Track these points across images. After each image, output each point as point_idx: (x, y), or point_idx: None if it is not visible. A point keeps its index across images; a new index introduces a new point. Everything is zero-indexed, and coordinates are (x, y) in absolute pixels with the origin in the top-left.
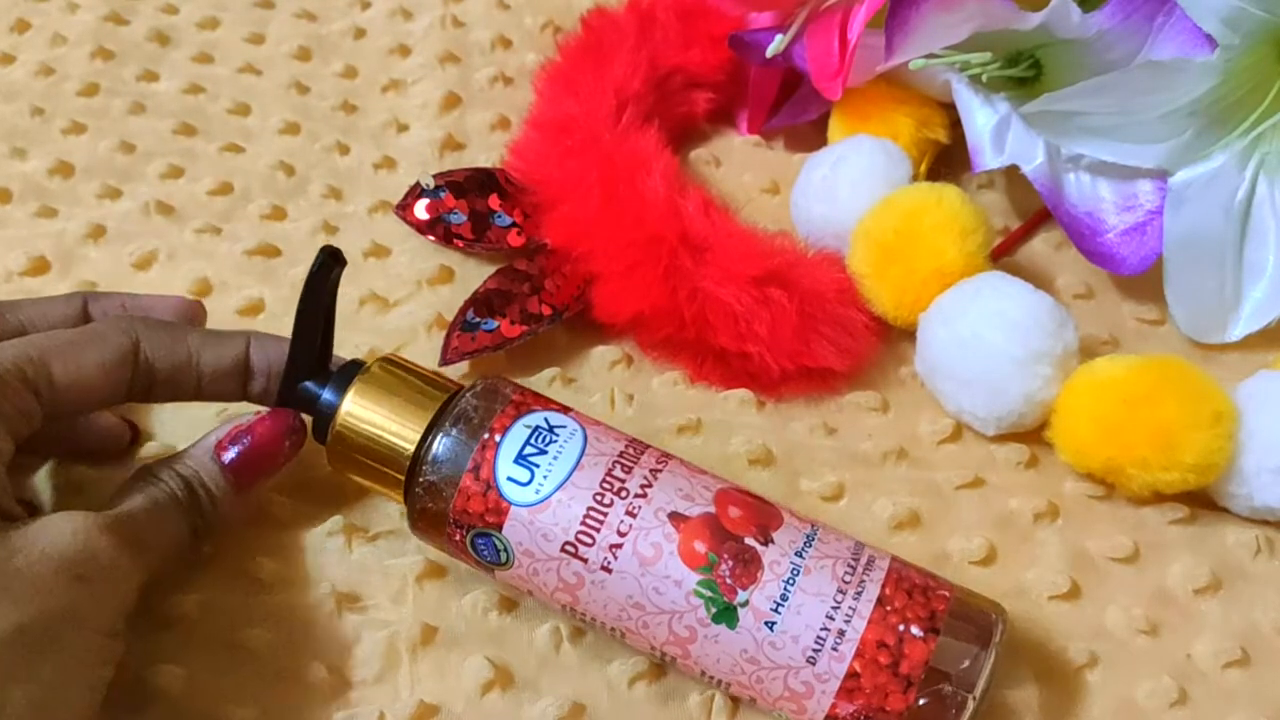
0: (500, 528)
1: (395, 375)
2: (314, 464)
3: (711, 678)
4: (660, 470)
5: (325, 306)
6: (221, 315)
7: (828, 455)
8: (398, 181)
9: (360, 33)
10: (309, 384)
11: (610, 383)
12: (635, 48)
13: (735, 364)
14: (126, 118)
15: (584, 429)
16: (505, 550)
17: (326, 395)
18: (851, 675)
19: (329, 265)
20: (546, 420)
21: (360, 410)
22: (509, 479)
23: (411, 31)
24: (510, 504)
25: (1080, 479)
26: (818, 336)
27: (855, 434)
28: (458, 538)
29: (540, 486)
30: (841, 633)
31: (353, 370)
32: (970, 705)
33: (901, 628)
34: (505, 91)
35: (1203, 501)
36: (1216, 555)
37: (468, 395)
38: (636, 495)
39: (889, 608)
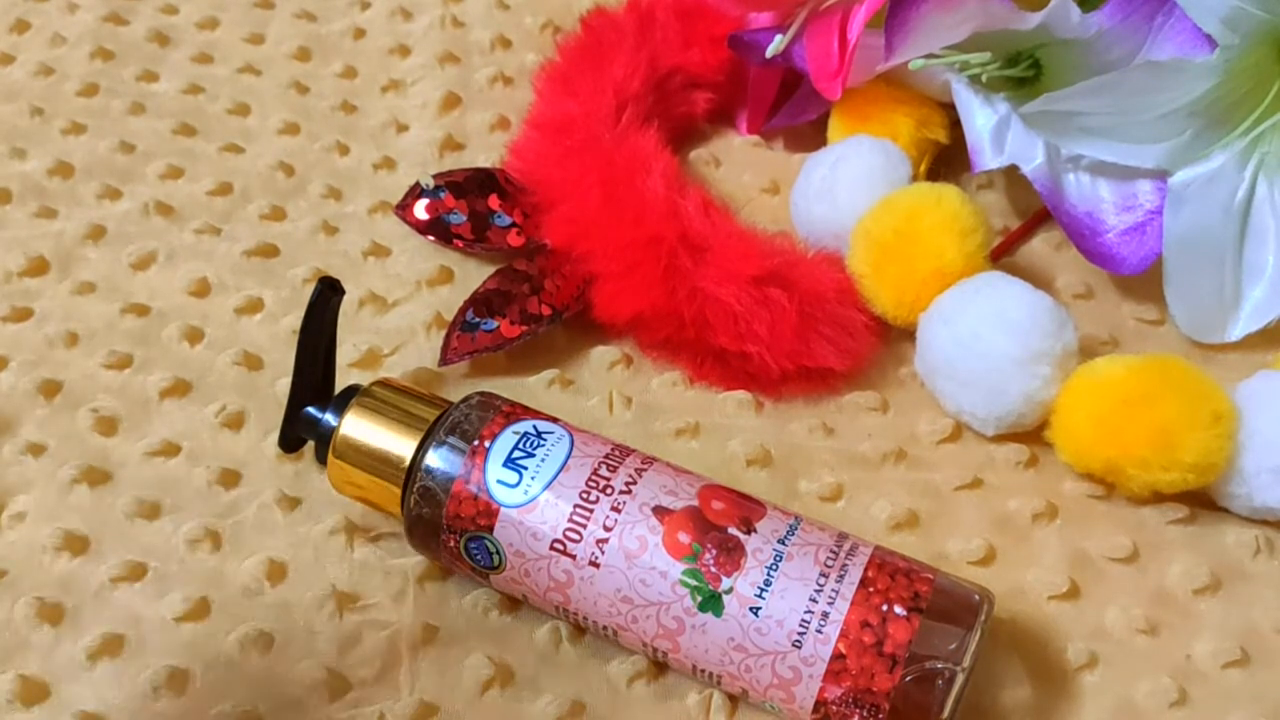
0: (491, 530)
1: (391, 395)
2: (315, 467)
3: (704, 672)
4: (645, 470)
5: (325, 334)
6: (220, 316)
7: (826, 456)
8: (397, 182)
9: (360, 33)
10: (312, 409)
11: (609, 383)
12: (635, 48)
13: (735, 364)
14: (126, 118)
15: (570, 434)
16: (497, 553)
17: (327, 418)
18: (837, 657)
19: (327, 295)
20: (535, 427)
21: (357, 429)
22: (498, 481)
23: (411, 32)
24: (500, 506)
25: (1080, 479)
26: (817, 336)
27: (854, 434)
28: (451, 544)
29: (529, 487)
30: (825, 614)
31: (352, 394)
32: (957, 683)
33: (885, 607)
34: (505, 91)
35: (1203, 501)
36: (1216, 555)
37: (460, 408)
38: (621, 492)
39: (872, 589)
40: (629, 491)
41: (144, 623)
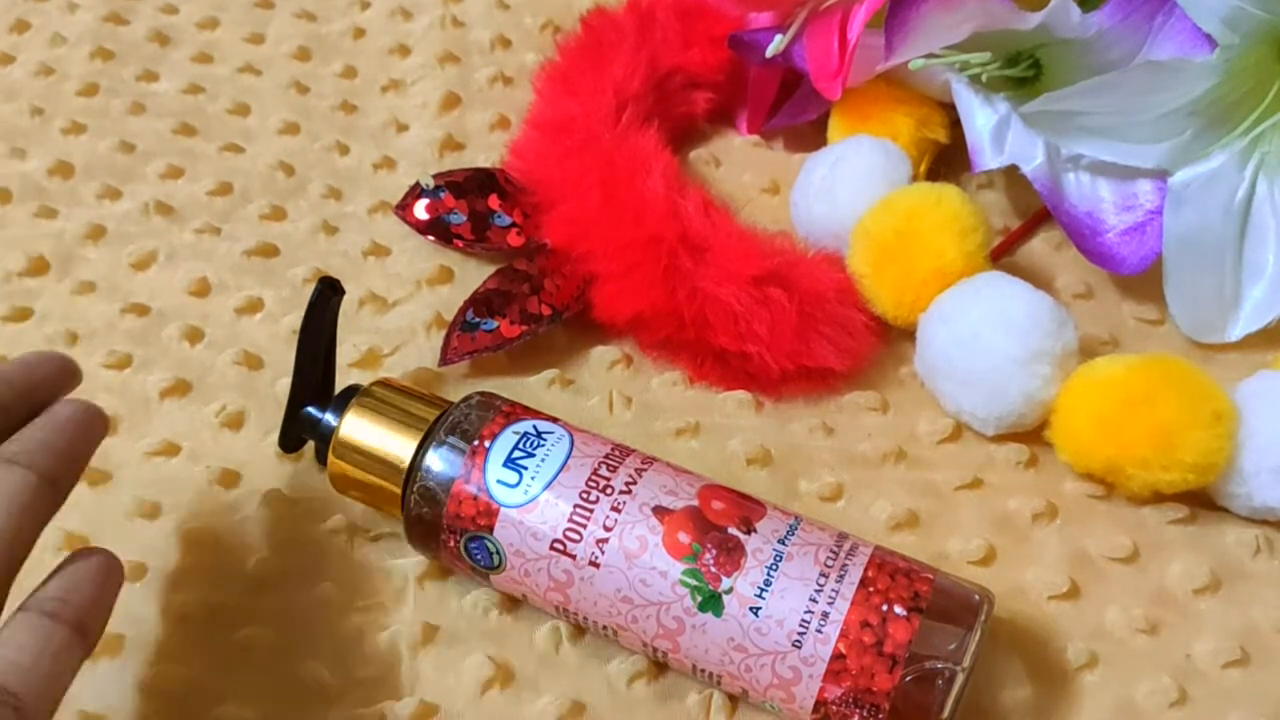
0: (491, 530)
1: (391, 395)
2: (315, 467)
3: (704, 671)
4: (645, 469)
5: (325, 334)
6: (220, 315)
7: (826, 456)
8: (397, 181)
9: (360, 33)
10: (312, 409)
11: (610, 383)
12: (635, 48)
13: (735, 364)
14: (126, 118)
15: (570, 434)
16: (498, 552)
17: (327, 418)
18: (837, 657)
19: (327, 295)
20: (535, 427)
21: (357, 429)
22: (498, 481)
23: (411, 31)
24: (500, 506)
25: (1080, 479)
26: (817, 336)
27: (854, 434)
28: (452, 544)
29: (529, 488)
30: (825, 615)
31: (352, 394)
32: (957, 683)
33: (885, 607)
34: (505, 91)
35: (1203, 501)
36: (1216, 555)
37: (460, 408)
38: (621, 492)
39: (872, 589)
40: (629, 491)
41: (144, 623)
